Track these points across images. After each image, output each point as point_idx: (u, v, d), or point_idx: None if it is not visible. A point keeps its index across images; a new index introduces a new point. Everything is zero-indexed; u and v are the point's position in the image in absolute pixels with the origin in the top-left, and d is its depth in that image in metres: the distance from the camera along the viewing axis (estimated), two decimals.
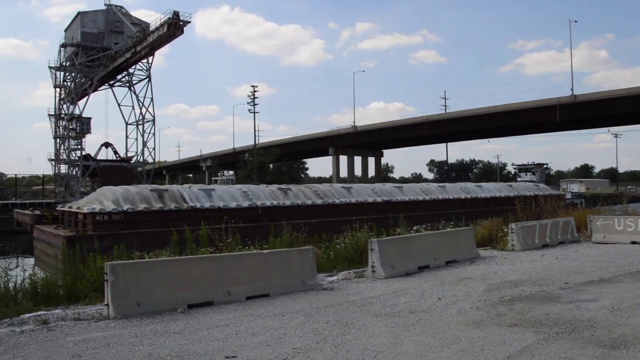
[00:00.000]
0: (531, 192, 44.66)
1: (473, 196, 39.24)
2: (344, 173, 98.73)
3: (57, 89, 70.33)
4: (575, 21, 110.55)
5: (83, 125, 69.38)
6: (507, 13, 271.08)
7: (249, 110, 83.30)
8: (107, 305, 9.18)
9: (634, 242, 19.07)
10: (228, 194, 29.35)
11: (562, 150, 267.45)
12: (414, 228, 19.71)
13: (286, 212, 28.15)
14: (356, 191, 35.35)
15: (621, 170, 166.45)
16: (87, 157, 70.01)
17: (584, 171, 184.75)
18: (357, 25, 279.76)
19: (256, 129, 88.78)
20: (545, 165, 76.74)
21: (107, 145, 74.99)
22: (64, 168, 70.12)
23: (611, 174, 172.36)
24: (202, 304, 10.02)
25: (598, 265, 14.29)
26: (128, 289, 9.32)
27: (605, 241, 19.65)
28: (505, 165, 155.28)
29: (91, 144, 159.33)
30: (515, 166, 77.39)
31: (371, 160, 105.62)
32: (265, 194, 30.44)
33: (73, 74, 69.26)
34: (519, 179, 68.59)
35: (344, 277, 13.48)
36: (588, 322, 8.35)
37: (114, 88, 76.09)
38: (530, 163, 72.68)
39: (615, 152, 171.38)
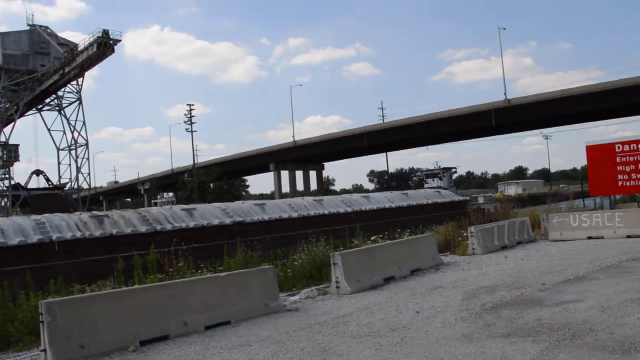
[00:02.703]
0: (430, 199, 42.03)
1: (356, 209, 34.90)
2: (285, 188, 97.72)
3: None
4: (504, 28, 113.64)
5: (10, 153, 65.92)
6: (435, 23, 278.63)
7: (186, 129, 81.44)
8: (45, 350, 7.83)
9: (590, 237, 19.01)
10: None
11: (496, 154, 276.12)
12: (372, 238, 18.96)
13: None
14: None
15: (552, 170, 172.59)
16: (16, 186, 66.34)
17: (519, 173, 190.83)
18: (290, 41, 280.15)
19: (194, 148, 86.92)
20: (453, 169, 72.69)
21: (38, 172, 71.36)
22: None
23: (544, 175, 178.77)
24: (156, 338, 8.80)
25: (566, 263, 13.90)
26: (68, 329, 8.02)
27: (562, 238, 19.50)
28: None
29: (20, 172, 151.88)
30: (421, 172, 74.97)
31: (312, 174, 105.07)
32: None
33: None
34: (425, 185, 65.09)
35: (306, 296, 12.50)
36: (584, 324, 7.73)
37: (42, 112, 72.75)
38: (437, 168, 69.27)
39: (547, 153, 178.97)
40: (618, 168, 22.49)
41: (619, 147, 22.52)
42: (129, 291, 9.49)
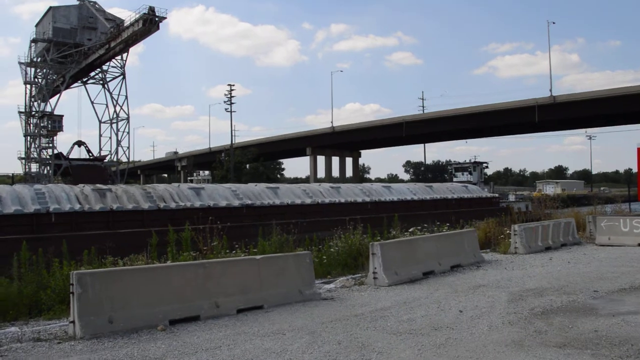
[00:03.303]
0: (456, 194, 40.33)
1: (375, 199, 33.63)
2: (321, 174, 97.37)
3: (28, 86, 67.77)
4: (554, 22, 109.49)
5: (55, 123, 67.03)
6: (480, 15, 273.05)
7: (226, 109, 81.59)
8: (73, 322, 7.62)
9: None
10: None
11: (535, 152, 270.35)
12: (410, 230, 18.40)
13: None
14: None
15: (594, 171, 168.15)
16: (59, 155, 67.59)
17: (558, 172, 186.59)
18: (332, 27, 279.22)
19: (233, 128, 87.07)
20: (484, 164, 69.09)
21: (79, 143, 72.55)
22: (34, 167, 67.67)
23: (584, 175, 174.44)
24: (187, 319, 8.51)
25: (618, 270, 13.12)
26: (99, 302, 7.76)
27: (610, 243, 18.58)
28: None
29: (63, 143, 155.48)
30: (452, 165, 70.30)
31: (349, 161, 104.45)
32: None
33: (44, 70, 66.80)
34: (455, 179, 61.28)
35: (342, 285, 12.08)
36: None
37: (87, 85, 73.68)
38: (467, 162, 65.67)
39: (590, 153, 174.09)
40: None
41: None
42: (163, 268, 9.22)
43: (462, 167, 63.60)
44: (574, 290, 10.57)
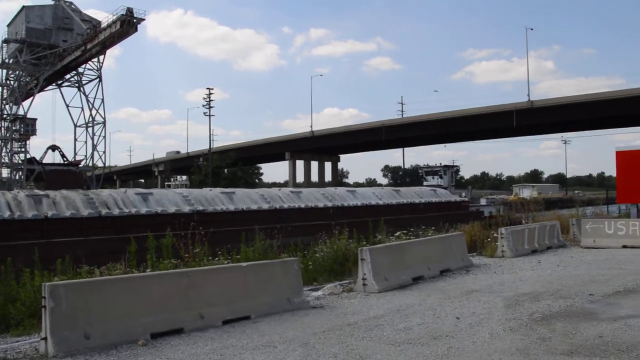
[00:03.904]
0: (424, 198, 39.18)
1: (337, 204, 32.04)
2: (300, 178, 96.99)
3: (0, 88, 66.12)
4: (532, 29, 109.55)
5: (27, 127, 65.48)
6: (458, 22, 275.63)
7: (204, 113, 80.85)
8: (45, 339, 7.04)
9: (625, 246, 17.97)
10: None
11: (511, 156, 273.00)
12: (396, 234, 18.05)
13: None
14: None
15: (568, 175, 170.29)
16: (31, 160, 66.01)
17: (534, 176, 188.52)
18: (312, 31, 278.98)
19: (211, 132, 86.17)
20: (455, 168, 65.82)
21: (53, 148, 70.99)
22: (5, 172, 65.91)
23: (559, 179, 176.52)
24: (169, 331, 7.98)
25: (608, 272, 12.93)
26: (74, 316, 7.21)
27: (596, 245, 18.48)
28: (458, 170, 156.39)
29: (37, 147, 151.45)
30: (422, 169, 66.48)
31: (328, 165, 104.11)
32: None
33: (17, 72, 65.14)
34: (425, 182, 59.94)
35: (330, 292, 11.63)
36: None
37: (62, 88, 72.19)
38: (437, 165, 62.35)
39: (565, 158, 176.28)
40: None
41: None
42: (143, 277, 8.67)
43: (432, 171, 61.04)
44: (570, 294, 10.30)
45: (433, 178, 58.56)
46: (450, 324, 8.31)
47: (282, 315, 9.20)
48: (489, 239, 18.36)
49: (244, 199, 28.58)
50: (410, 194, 39.47)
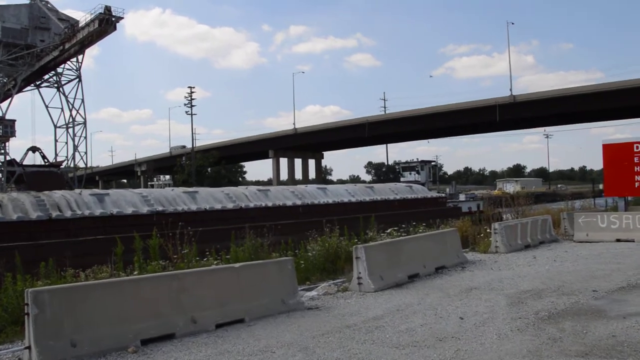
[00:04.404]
0: (399, 194, 38.32)
1: (307, 202, 30.96)
2: (284, 176, 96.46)
3: None
4: (513, 23, 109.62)
5: (6, 128, 64.05)
6: (437, 17, 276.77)
7: (186, 112, 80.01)
8: (29, 348, 6.57)
9: (619, 240, 17.81)
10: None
11: (494, 151, 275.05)
12: (387, 231, 17.71)
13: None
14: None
15: (550, 169, 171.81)
16: (11, 162, 64.63)
17: (517, 171, 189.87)
18: (292, 29, 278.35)
19: (194, 131, 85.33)
20: (433, 163, 65.16)
21: (34, 149, 69.57)
22: None
23: (541, 173, 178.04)
24: (161, 337, 7.54)
25: (607, 267, 12.69)
26: (59, 324, 6.74)
27: (589, 239, 18.31)
28: (442, 166, 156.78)
29: (16, 149, 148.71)
30: (399, 164, 65.10)
31: (311, 163, 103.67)
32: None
33: None
34: (402, 178, 56.83)
35: (325, 292, 11.26)
36: None
37: (40, 89, 70.66)
38: (414, 160, 60.62)
39: (547, 152, 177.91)
40: (635, 169, 21.34)
41: (637, 147, 21.35)
42: (132, 281, 8.19)
43: (409, 167, 58.70)
44: (572, 291, 10.01)
45: (410, 174, 57.11)
46: (454, 324, 7.96)
47: (277, 318, 8.79)
48: (481, 235, 18.09)
49: (208, 198, 27.64)
50: (384, 191, 38.66)
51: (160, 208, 24.80)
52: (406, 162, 61.36)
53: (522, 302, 9.20)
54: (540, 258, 14.89)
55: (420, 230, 19.04)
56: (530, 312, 8.42)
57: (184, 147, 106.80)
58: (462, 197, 58.16)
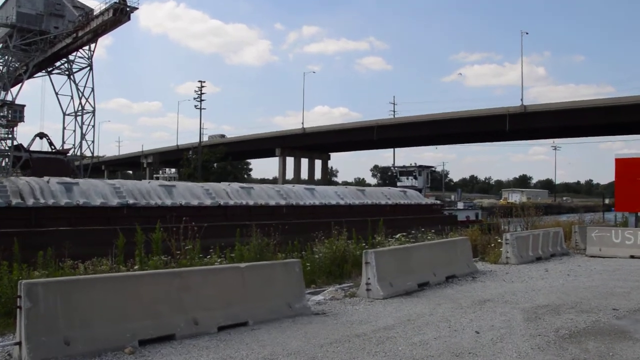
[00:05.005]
0: (392, 199, 37.10)
1: (292, 203, 29.64)
2: (290, 175, 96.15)
3: None
4: (527, 33, 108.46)
5: (15, 113, 63.78)
6: (451, 24, 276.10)
7: (195, 106, 79.69)
8: (20, 344, 6.19)
9: (633, 257, 17.33)
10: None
11: (500, 161, 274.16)
12: (395, 236, 17.28)
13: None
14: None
15: (557, 182, 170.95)
16: (18, 147, 64.45)
17: (523, 182, 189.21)
18: (304, 29, 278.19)
19: (202, 125, 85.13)
20: (432, 169, 63.14)
21: (41, 135, 69.45)
22: None
23: (547, 185, 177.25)
24: (160, 338, 7.15)
25: (625, 284, 12.23)
26: (53, 319, 6.35)
27: (601, 254, 17.83)
28: (447, 173, 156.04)
29: (24, 135, 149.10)
30: (396, 169, 63.18)
31: (318, 163, 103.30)
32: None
33: (6, 57, 63.57)
34: (399, 183, 54.78)
35: (331, 296, 10.85)
36: None
37: (51, 75, 70.24)
38: (412, 165, 58.65)
39: (554, 164, 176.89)
40: None
41: None
42: (132, 277, 7.79)
43: (407, 171, 56.42)
44: (591, 308, 9.56)
45: (407, 179, 55.44)
46: (470, 338, 7.53)
47: (282, 322, 8.39)
48: (492, 245, 17.64)
49: (185, 193, 26.68)
50: (376, 195, 37.66)
51: (131, 201, 23.93)
52: (403, 167, 59.66)
53: (539, 318, 8.76)
54: (552, 271, 14.44)
55: (428, 237, 18.61)
56: (549, 330, 7.98)
57: (223, 135, 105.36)
58: (460, 205, 56.59)
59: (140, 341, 6.93)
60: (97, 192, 23.66)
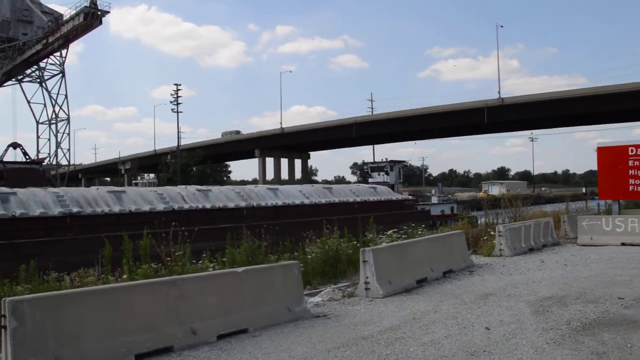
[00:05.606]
0: (360, 196, 35.87)
1: (252, 204, 28.71)
2: (270, 176, 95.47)
3: None
4: (502, 26, 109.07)
5: None
6: (424, 20, 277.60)
7: (172, 109, 78.43)
8: None
9: (624, 244, 17.32)
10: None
11: (478, 154, 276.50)
12: (387, 233, 17.00)
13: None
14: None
15: (534, 172, 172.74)
16: None
17: (501, 174, 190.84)
18: (278, 28, 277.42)
19: (179, 129, 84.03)
20: (403, 163, 61.66)
21: (15, 145, 67.72)
22: None
23: (525, 176, 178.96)
24: (157, 351, 6.75)
25: (624, 272, 12.11)
26: (42, 338, 5.89)
27: (593, 243, 17.78)
28: (427, 168, 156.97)
29: None
30: (367, 165, 61.68)
31: (298, 163, 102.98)
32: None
33: None
34: (370, 179, 53.93)
35: (329, 298, 10.51)
36: None
37: (22, 84, 69.07)
38: (383, 160, 57.47)
39: (532, 155, 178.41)
40: (630, 172, 20.90)
41: (632, 150, 20.91)
42: (125, 288, 7.32)
43: (378, 167, 55.54)
44: (597, 298, 9.37)
45: (379, 174, 54.00)
46: (482, 335, 7.25)
47: (283, 327, 8.03)
48: (485, 237, 17.46)
49: (136, 199, 25.57)
50: (344, 192, 36.48)
51: (75, 209, 22.75)
52: (374, 163, 58.60)
53: (547, 311, 8.53)
54: (548, 262, 14.29)
55: (419, 232, 18.39)
56: (560, 322, 7.74)
57: (238, 132, 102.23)
58: (434, 199, 55.72)
59: (136, 355, 6.51)
60: (36, 201, 22.35)
